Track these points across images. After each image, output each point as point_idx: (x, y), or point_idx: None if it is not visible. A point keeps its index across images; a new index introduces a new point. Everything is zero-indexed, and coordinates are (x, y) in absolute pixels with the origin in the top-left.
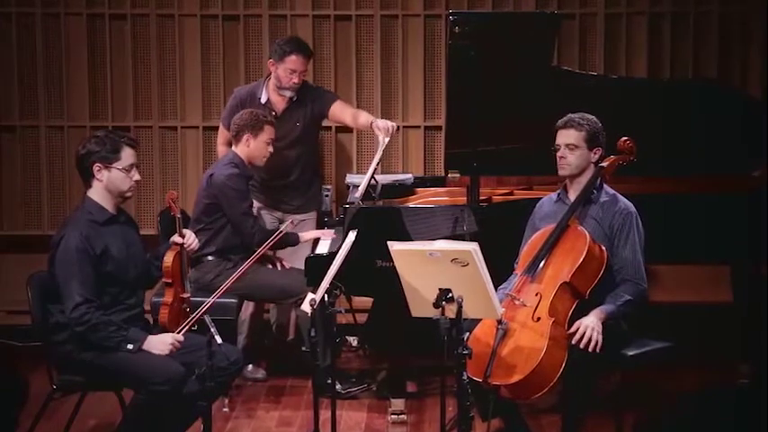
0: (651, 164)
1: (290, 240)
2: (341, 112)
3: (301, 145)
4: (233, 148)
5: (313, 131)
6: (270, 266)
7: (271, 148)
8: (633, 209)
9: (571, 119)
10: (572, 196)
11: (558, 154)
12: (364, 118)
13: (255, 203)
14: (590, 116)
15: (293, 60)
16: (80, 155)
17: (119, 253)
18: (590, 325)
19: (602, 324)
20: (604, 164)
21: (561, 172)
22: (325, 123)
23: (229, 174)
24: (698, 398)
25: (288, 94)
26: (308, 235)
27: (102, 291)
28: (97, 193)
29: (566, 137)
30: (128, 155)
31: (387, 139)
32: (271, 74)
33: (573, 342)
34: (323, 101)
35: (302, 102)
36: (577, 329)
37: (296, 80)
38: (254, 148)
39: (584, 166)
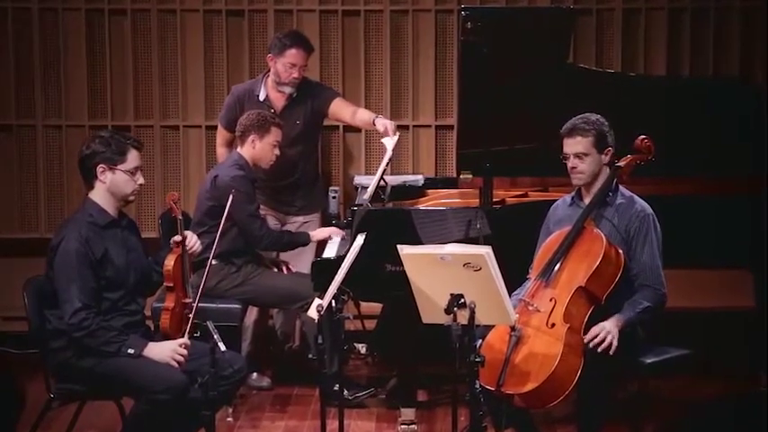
0: (669, 164)
1: (302, 240)
2: (340, 109)
3: (302, 144)
4: (238, 149)
5: (314, 130)
6: (275, 270)
7: (277, 151)
8: (650, 211)
9: (575, 125)
10: (587, 199)
11: (569, 164)
12: (366, 115)
13: None
14: (594, 116)
15: (293, 54)
16: (84, 155)
17: (118, 258)
18: (607, 327)
19: (620, 331)
20: (621, 164)
21: (575, 182)
22: (331, 122)
23: (234, 175)
24: (718, 407)
25: (287, 90)
26: (318, 234)
27: (101, 296)
28: (99, 196)
29: (573, 146)
30: (133, 157)
31: (395, 138)
32: (269, 70)
33: (587, 342)
34: (322, 98)
35: (302, 99)
36: (593, 333)
37: (296, 75)
38: (260, 149)
39: (598, 171)
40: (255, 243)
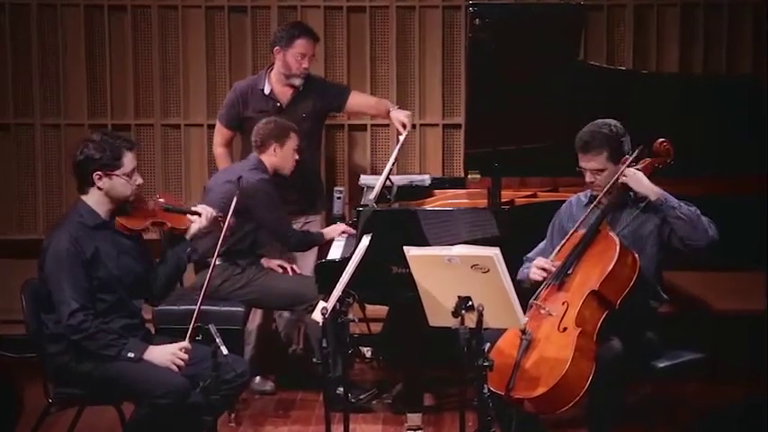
0: (682, 163)
1: (318, 240)
2: (358, 102)
3: (308, 139)
4: (257, 155)
5: (319, 125)
6: (280, 271)
7: (297, 156)
8: None
9: (587, 144)
10: (605, 199)
11: (586, 178)
12: (383, 105)
13: None
14: (606, 127)
15: (302, 44)
16: (78, 161)
17: (109, 259)
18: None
19: (660, 203)
20: (639, 167)
21: (593, 192)
22: (336, 121)
23: (260, 178)
24: (731, 412)
25: (297, 81)
26: (331, 231)
27: (95, 297)
28: (93, 199)
29: (588, 162)
30: (129, 159)
31: (402, 137)
32: (273, 64)
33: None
34: (336, 95)
35: (308, 93)
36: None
37: (306, 65)
38: (281, 157)
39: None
40: (284, 243)
